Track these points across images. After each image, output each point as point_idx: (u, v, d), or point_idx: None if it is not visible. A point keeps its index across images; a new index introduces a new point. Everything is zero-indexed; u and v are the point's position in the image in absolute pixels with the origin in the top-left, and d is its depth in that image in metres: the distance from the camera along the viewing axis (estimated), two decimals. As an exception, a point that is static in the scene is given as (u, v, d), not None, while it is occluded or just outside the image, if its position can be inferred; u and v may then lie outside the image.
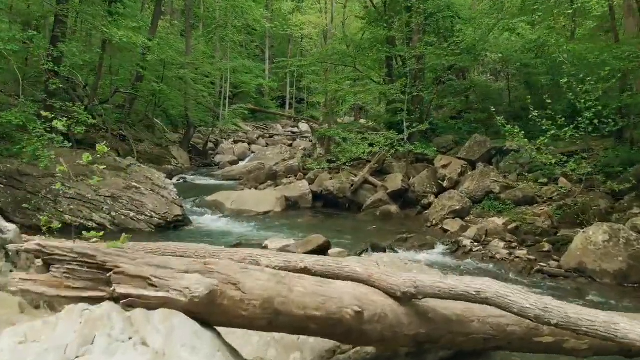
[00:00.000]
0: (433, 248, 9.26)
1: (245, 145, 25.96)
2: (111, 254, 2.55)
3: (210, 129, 25.05)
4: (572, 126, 8.69)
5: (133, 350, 2.15)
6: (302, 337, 3.62)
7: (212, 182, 18.26)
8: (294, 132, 31.66)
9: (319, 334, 3.06)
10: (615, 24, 12.23)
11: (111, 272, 2.45)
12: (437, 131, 15.06)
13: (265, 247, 8.70)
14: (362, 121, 21.41)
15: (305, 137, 29.22)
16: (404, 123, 13.09)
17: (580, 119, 9.30)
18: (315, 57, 15.81)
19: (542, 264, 8.20)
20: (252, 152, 24.92)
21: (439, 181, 12.66)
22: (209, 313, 2.48)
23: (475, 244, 9.23)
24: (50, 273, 2.50)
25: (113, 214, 10.51)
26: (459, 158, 13.10)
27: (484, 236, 9.46)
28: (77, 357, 2.11)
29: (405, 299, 3.12)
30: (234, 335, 2.99)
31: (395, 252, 9.01)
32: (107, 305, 2.38)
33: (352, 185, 13.24)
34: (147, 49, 19.13)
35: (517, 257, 8.52)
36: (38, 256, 2.64)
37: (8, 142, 11.33)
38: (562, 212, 9.87)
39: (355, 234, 10.28)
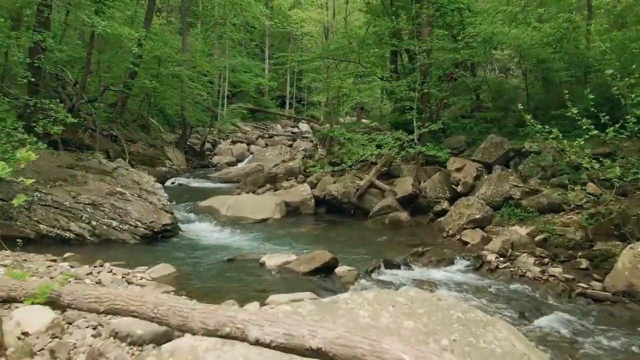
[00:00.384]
0: (452, 264, 7.99)
1: (244, 145, 24.67)
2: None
3: (208, 129, 23.74)
4: (617, 125, 7.41)
5: None
6: None
7: (208, 184, 16.99)
8: (294, 132, 30.38)
9: None
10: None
11: None
12: (446, 131, 13.78)
13: (263, 265, 7.44)
14: (365, 121, 20.13)
15: (306, 138, 27.95)
16: (414, 122, 11.82)
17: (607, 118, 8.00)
18: (317, 53, 14.44)
19: (582, 285, 6.93)
20: (251, 153, 23.64)
21: (452, 186, 11.40)
22: None
23: (501, 259, 7.97)
24: None
25: (93, 223, 9.24)
26: (474, 160, 11.84)
27: (510, 250, 8.20)
28: None
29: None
30: None
31: (411, 268, 7.76)
32: None
33: (357, 190, 11.98)
34: (139, 44, 17.92)
35: (552, 276, 7.26)
36: None
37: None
38: (595, 222, 8.61)
39: (363, 246, 9.01)
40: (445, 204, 11.11)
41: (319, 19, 24.73)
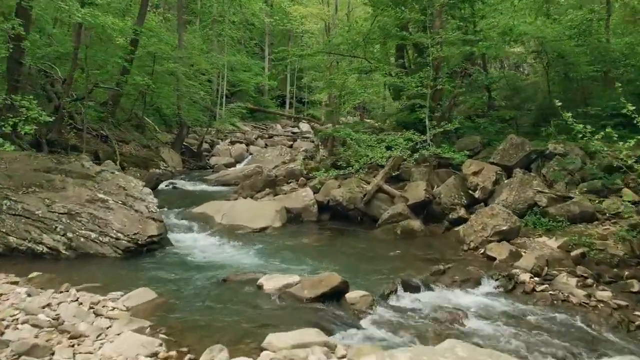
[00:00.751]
0: (479, 284, 6.77)
1: (243, 146, 23.44)
2: None
3: (205, 129, 22.49)
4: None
5: None
6: None
7: (204, 187, 15.76)
8: (294, 133, 29.15)
9: None
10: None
11: None
12: (458, 131, 12.54)
13: (261, 287, 6.21)
14: (369, 121, 18.91)
15: (307, 138, 26.73)
16: (427, 121, 10.59)
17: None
18: (320, 47, 13.18)
19: (640, 314, 5.72)
20: (250, 154, 22.41)
21: (469, 191, 10.18)
22: None
23: (536, 279, 6.74)
24: None
25: (69, 235, 7.99)
26: (492, 163, 10.61)
27: (545, 268, 6.97)
28: None
29: None
30: None
31: (432, 290, 6.54)
32: None
33: (364, 196, 10.74)
34: (133, 40, 16.67)
35: (601, 302, 6.04)
36: None
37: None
38: (639, 234, 7.39)
39: (374, 261, 7.78)
40: (461, 211, 9.89)
41: (320, 14, 23.44)
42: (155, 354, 4.17)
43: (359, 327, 5.24)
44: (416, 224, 9.64)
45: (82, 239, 8.03)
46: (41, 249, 7.86)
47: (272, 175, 12.62)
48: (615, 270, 6.88)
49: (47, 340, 4.27)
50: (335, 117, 19.47)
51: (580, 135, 7.02)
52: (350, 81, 13.38)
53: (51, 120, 8.95)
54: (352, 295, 5.85)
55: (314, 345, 4.10)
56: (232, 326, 5.00)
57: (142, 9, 17.11)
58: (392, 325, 5.33)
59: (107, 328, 4.69)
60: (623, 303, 5.98)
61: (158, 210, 9.81)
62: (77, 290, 5.91)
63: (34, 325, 4.52)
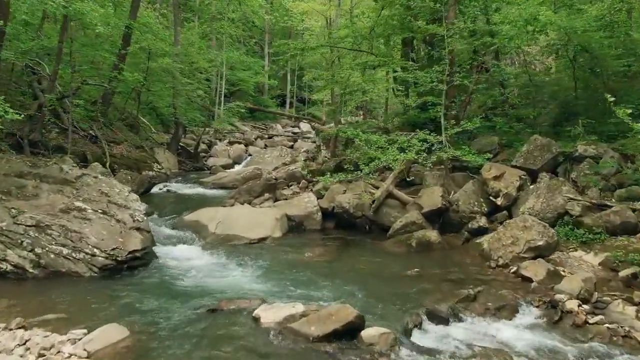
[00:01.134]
0: (517, 312, 5.59)
1: (242, 146, 22.22)
2: None
3: (202, 129, 21.27)
4: None
5: None
6: None
7: (200, 191, 14.53)
8: (294, 133, 27.92)
9: None
10: None
11: None
12: (472, 131, 11.32)
13: (257, 320, 5.02)
14: (374, 121, 17.69)
15: (308, 138, 25.51)
16: (442, 121, 9.39)
17: None
18: (322, 41, 11.95)
19: None
20: (249, 155, 21.20)
21: (491, 198, 8.98)
22: None
23: (585, 307, 5.55)
24: None
25: (38, 250, 6.79)
26: (514, 166, 9.41)
27: (594, 293, 5.78)
28: None
29: None
30: None
31: (462, 321, 5.35)
32: None
33: (373, 202, 9.54)
34: (125, 35, 15.45)
35: (672, 339, 4.85)
36: None
37: None
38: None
39: (390, 283, 6.58)
40: (482, 221, 8.70)
41: (322, 10, 22.19)
42: None
43: (381, 379, 4.06)
44: (433, 234, 8.44)
45: (52, 255, 6.83)
46: (4, 267, 6.65)
47: (271, 179, 11.42)
48: (677, 295, 5.68)
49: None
50: (337, 117, 18.28)
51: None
52: (354, 78, 12.16)
53: (20, 117, 7.68)
54: (369, 332, 4.65)
55: None
56: (220, 382, 3.81)
57: (134, 2, 15.87)
58: (422, 375, 4.15)
59: (55, 389, 3.50)
60: (700, 341, 4.79)
61: (145, 218, 8.66)
62: (32, 326, 4.73)
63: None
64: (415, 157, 8.54)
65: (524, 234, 6.99)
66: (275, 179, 15.38)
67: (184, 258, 7.84)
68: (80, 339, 4.44)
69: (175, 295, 5.92)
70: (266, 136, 25.89)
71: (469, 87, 10.43)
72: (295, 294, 5.94)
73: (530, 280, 6.35)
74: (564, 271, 6.52)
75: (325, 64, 19.80)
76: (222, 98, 24.84)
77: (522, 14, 8.93)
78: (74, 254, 6.87)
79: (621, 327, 5.11)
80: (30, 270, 6.68)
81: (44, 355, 4.05)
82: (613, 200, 8.18)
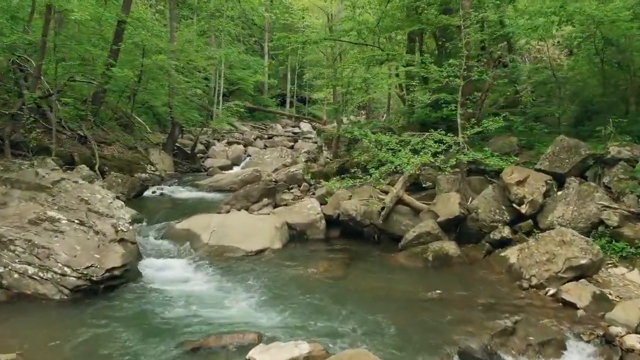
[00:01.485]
0: (565, 349, 4.57)
1: (241, 147, 21.15)
2: None
3: (200, 129, 20.22)
4: None
5: None
6: None
7: (195, 194, 13.48)
8: (295, 133, 26.86)
9: None
10: None
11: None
12: (486, 131, 10.27)
13: (251, 366, 3.97)
14: (381, 120, 16.65)
15: (308, 138, 24.47)
16: (458, 119, 8.35)
17: None
18: (325, 35, 10.87)
19: None
20: (248, 156, 20.14)
21: (514, 205, 7.93)
22: None
23: (649, 343, 4.51)
24: None
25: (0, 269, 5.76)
26: (539, 170, 8.37)
27: (656, 325, 4.74)
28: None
29: None
30: None
31: (500, 361, 4.31)
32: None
33: (382, 209, 8.50)
34: (117, 30, 14.41)
35: None
36: None
37: None
38: None
39: (410, 310, 5.54)
40: (505, 231, 7.67)
41: (323, 6, 21.10)
42: None
43: None
44: (451, 247, 7.40)
45: (15, 275, 5.79)
46: (-40, 289, 5.62)
47: (270, 183, 10.37)
48: None
49: None
50: (339, 116, 17.26)
51: None
52: (359, 74, 11.12)
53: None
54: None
55: None
56: None
57: (128, -5, 14.81)
58: None
59: None
60: None
61: (131, 228, 7.60)
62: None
63: None
64: (432, 161, 7.49)
65: (563, 250, 5.95)
66: (275, 182, 14.36)
67: (172, 275, 6.80)
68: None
69: (154, 326, 4.88)
70: (266, 136, 24.84)
71: (484, 83, 9.36)
72: (298, 324, 4.90)
73: (573, 306, 5.32)
74: (610, 294, 5.48)
75: (326, 61, 18.77)
76: (221, 97, 23.80)
77: (546, 2, 7.88)
78: (40, 274, 5.82)
79: (700, 373, 4.07)
80: (-10, 292, 5.65)
81: None
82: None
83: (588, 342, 4.63)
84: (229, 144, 21.55)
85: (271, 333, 4.59)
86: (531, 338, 4.65)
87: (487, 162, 7.62)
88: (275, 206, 10.12)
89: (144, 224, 9.47)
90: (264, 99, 30.78)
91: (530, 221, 7.80)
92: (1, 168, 7.82)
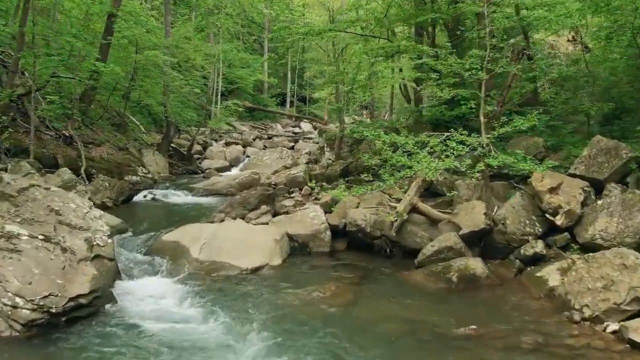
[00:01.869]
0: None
1: (239, 147, 20.03)
2: None
3: (196, 129, 19.06)
4: None
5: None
6: None
7: (189, 199, 12.34)
8: (295, 133, 25.71)
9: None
10: None
11: None
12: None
13: None
14: (387, 120, 15.49)
15: (309, 139, 23.34)
16: (481, 118, 7.20)
17: None
18: (330, 25, 9.72)
19: None
20: (247, 157, 19.02)
21: (546, 215, 6.79)
22: None
23: None
24: None
25: (-64, 300, 4.61)
26: (572, 175, 7.23)
27: None
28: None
29: None
30: None
31: None
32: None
33: (396, 219, 7.35)
34: (108, 24, 13.25)
35: None
36: None
37: None
38: None
39: (437, 351, 4.39)
40: (538, 246, 6.54)
41: (325, 1, 19.92)
42: None
43: None
44: (478, 266, 6.26)
45: (-44, 307, 4.64)
46: None
47: (269, 189, 9.21)
48: None
49: None
50: (342, 116, 16.14)
51: None
52: (364, 67, 9.95)
53: None
54: None
55: None
56: None
57: (118, -12, 13.64)
58: None
59: None
60: None
61: (110, 241, 6.48)
62: None
63: None
64: (456, 166, 6.34)
65: (624, 276, 4.80)
66: (275, 185, 13.20)
67: (152, 302, 5.64)
68: None
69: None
70: (265, 136, 23.70)
71: (508, 77, 8.21)
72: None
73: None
74: (689, 333, 4.33)
75: (327, 58, 17.63)
76: (219, 96, 22.65)
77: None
78: (-13, 305, 4.68)
79: None
80: None
81: None
82: None
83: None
84: (227, 144, 20.40)
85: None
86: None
87: (519, 166, 6.46)
88: (275, 214, 8.97)
89: (129, 234, 8.34)
90: (264, 99, 29.63)
91: (566, 234, 6.67)
92: (-41, 173, 6.67)
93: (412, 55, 8.53)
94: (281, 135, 24.38)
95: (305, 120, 28.31)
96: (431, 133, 7.11)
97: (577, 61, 12.49)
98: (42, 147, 11.27)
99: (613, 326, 4.55)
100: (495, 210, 7.15)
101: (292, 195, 11.73)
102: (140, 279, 6.39)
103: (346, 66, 10.39)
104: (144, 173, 13.48)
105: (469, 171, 6.29)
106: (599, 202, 6.68)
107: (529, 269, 6.44)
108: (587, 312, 4.83)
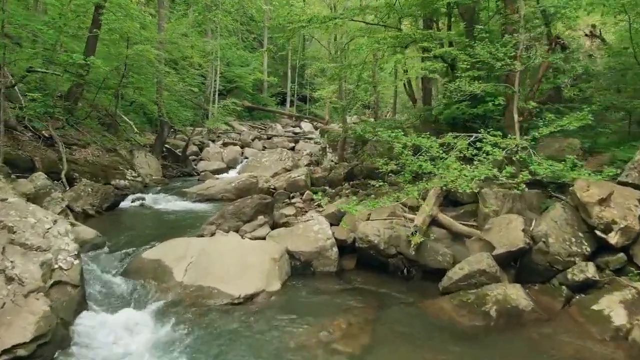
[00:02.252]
0: None
1: (237, 148, 18.77)
2: None
3: (192, 129, 17.82)
4: None
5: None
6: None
7: (181, 205, 11.08)
8: (296, 133, 24.46)
9: None
10: None
11: None
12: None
13: None
14: (398, 119, 14.26)
15: (310, 139, 22.10)
16: (515, 116, 5.97)
17: None
18: (334, 14, 8.49)
19: None
20: (245, 158, 17.78)
21: (596, 232, 5.56)
22: None
23: None
24: None
25: None
26: (624, 184, 6.01)
27: None
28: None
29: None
30: None
31: None
32: None
33: (415, 233, 6.11)
34: (95, 16, 12.00)
35: None
36: None
37: None
38: None
39: None
40: (589, 270, 5.31)
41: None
42: None
43: None
44: (521, 296, 5.02)
45: None
46: None
47: (267, 197, 7.95)
48: None
49: None
50: (345, 115, 14.91)
51: None
52: (371, 59, 8.71)
53: None
54: None
55: None
56: None
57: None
58: None
59: None
60: None
61: (76, 262, 5.28)
62: None
63: None
64: (496, 175, 5.10)
65: None
66: (274, 189, 12.00)
67: (120, 344, 4.41)
68: None
69: None
70: (265, 137, 22.44)
71: (539, 68, 6.97)
72: None
73: None
74: None
75: (330, 55, 16.40)
76: (217, 95, 21.40)
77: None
78: None
79: None
80: None
81: None
82: None
83: None
84: (225, 145, 19.14)
85: None
86: None
87: (572, 175, 5.22)
88: (273, 225, 7.74)
89: (105, 249, 7.11)
90: (263, 98, 28.37)
91: (621, 255, 5.44)
92: None
93: (430, 44, 7.30)
94: (281, 136, 23.14)
95: (305, 120, 27.07)
96: (457, 134, 5.86)
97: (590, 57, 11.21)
98: (18, 149, 10.02)
99: None
100: (532, 225, 5.91)
101: (292, 201, 10.53)
102: (110, 310, 5.15)
103: (354, 58, 9.17)
104: (133, 176, 12.24)
105: (510, 181, 5.05)
106: (661, 216, 5.45)
107: (578, 296, 5.23)
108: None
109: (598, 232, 5.54)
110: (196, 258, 6.17)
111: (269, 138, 22.20)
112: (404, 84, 16.89)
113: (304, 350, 4.24)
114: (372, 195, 8.77)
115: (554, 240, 5.57)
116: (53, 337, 4.13)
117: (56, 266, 5.15)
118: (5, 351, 3.67)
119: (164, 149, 16.04)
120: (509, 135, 6.19)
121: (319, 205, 8.68)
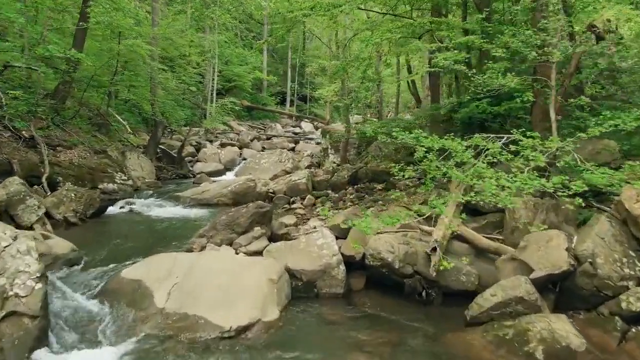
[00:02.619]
0: None
1: (235, 149, 17.80)
2: None
3: (188, 129, 16.86)
4: None
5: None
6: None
7: (173, 210, 10.14)
8: (296, 133, 23.51)
9: None
10: None
11: None
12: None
13: None
14: (407, 118, 13.33)
15: (310, 139, 21.16)
16: (552, 115, 5.03)
17: None
18: (338, 1, 7.59)
19: None
20: (244, 159, 16.81)
21: (651, 250, 4.62)
22: None
23: None
24: None
25: None
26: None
27: None
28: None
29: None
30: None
31: None
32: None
33: (433, 249, 5.18)
34: (83, 10, 11.04)
35: None
36: None
37: None
38: None
39: None
40: (646, 297, 4.36)
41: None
42: None
43: None
44: (570, 332, 4.07)
45: None
46: None
47: (264, 206, 6.98)
48: None
49: None
50: (348, 115, 13.98)
51: None
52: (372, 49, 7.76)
53: None
54: None
55: None
56: None
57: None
58: None
59: None
60: None
61: (38, 287, 4.38)
62: None
63: None
64: (544, 185, 4.16)
65: None
66: (273, 193, 11.05)
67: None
68: None
69: None
70: (264, 137, 21.48)
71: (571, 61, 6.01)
72: None
73: None
74: None
75: (331, 52, 15.47)
76: (215, 94, 20.43)
77: None
78: None
79: None
80: None
81: None
82: None
83: None
84: (223, 145, 18.17)
85: None
86: None
87: (636, 185, 4.27)
88: (272, 237, 6.79)
89: (81, 265, 6.18)
90: (263, 97, 27.40)
91: (684, 279, 4.49)
92: None
93: (450, 33, 6.37)
94: (281, 136, 22.18)
95: (306, 119, 26.12)
96: (487, 135, 4.91)
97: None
98: (-5, 151, 9.07)
99: None
100: (574, 242, 4.97)
101: (292, 207, 9.61)
102: (73, 347, 4.21)
103: (360, 53, 8.25)
104: (122, 180, 11.27)
105: (559, 193, 4.10)
106: None
107: (634, 329, 4.29)
108: None
109: (654, 251, 4.60)
110: (182, 278, 5.22)
111: (268, 138, 21.25)
112: (408, 83, 15.90)
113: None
114: (380, 202, 7.86)
115: (603, 261, 4.63)
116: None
117: (11, 293, 4.27)
118: None
119: (159, 150, 15.10)
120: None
121: (319, 214, 7.75)
